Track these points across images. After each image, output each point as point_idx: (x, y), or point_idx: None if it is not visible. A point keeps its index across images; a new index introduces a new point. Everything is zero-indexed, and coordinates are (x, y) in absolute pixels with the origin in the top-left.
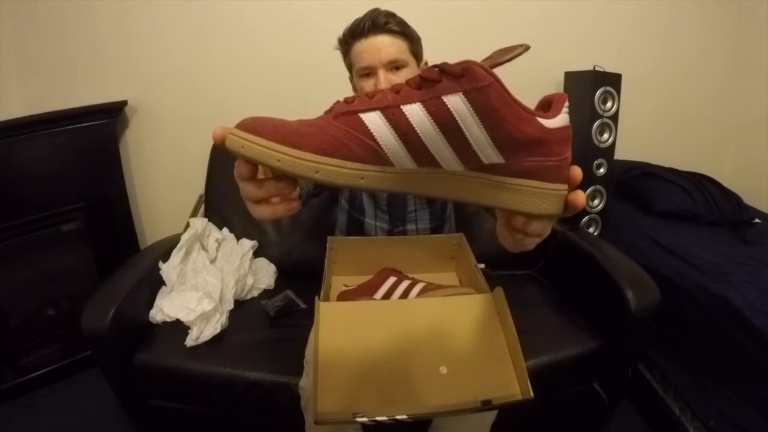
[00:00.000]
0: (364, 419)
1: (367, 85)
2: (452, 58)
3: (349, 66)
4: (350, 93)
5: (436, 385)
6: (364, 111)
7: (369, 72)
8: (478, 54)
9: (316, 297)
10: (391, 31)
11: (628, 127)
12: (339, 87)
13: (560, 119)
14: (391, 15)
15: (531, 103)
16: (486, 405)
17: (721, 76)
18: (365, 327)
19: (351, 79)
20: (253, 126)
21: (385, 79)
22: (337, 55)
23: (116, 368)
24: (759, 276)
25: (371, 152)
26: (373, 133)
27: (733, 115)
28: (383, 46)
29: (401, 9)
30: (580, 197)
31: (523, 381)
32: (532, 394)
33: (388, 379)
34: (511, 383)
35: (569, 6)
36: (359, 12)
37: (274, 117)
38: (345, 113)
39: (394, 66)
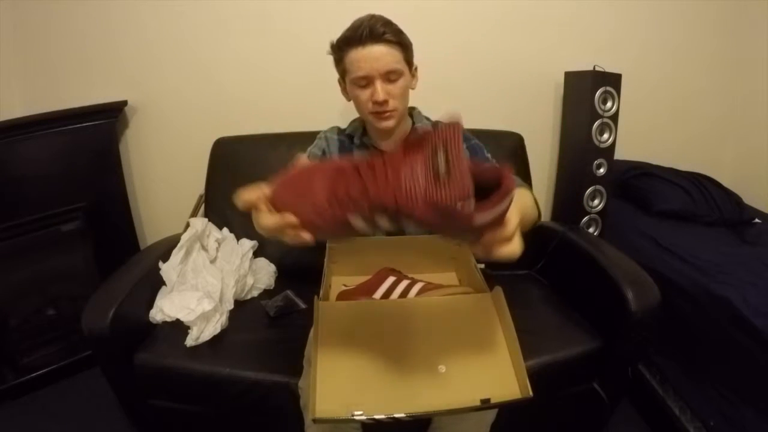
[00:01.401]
0: (363, 417)
1: (363, 93)
2: (450, 59)
3: (343, 72)
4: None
5: (435, 384)
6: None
7: (366, 82)
8: (475, 54)
9: (316, 296)
10: (387, 41)
11: (628, 127)
12: (337, 86)
13: (492, 213)
14: (387, 24)
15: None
16: (485, 404)
17: (721, 75)
18: (364, 326)
19: (340, 82)
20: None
21: (382, 90)
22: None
23: (116, 368)
24: (759, 276)
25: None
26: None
27: (734, 115)
28: (381, 56)
29: (400, 8)
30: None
31: (522, 380)
32: (531, 393)
33: (387, 378)
34: (510, 382)
35: (569, 6)
36: (358, 14)
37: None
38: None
39: (390, 76)
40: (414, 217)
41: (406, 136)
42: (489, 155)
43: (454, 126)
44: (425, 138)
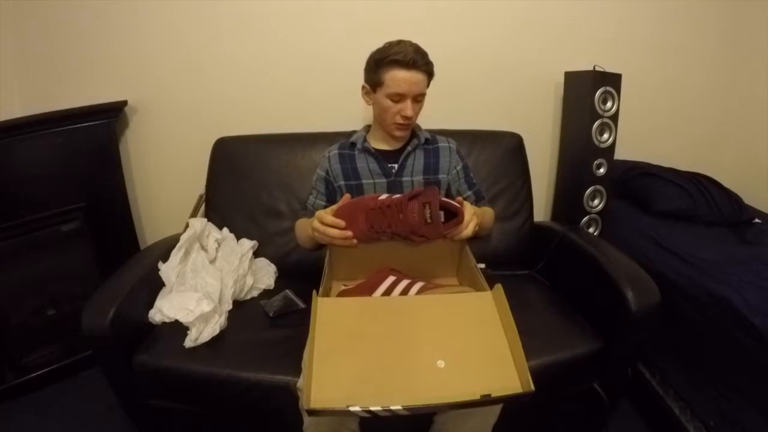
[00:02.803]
0: (358, 409)
1: (394, 107)
2: (450, 59)
3: (375, 83)
4: (348, 93)
5: (433, 379)
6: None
7: (399, 99)
8: (475, 54)
9: (314, 291)
10: (424, 71)
11: (628, 127)
12: (337, 87)
13: (452, 229)
14: (425, 55)
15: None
16: (485, 398)
17: (720, 76)
18: (362, 322)
19: (365, 88)
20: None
21: (412, 107)
22: (336, 57)
23: (116, 368)
24: (759, 276)
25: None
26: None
27: (733, 115)
28: (418, 81)
29: (401, 9)
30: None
31: (523, 375)
32: (533, 387)
33: (385, 372)
34: (511, 377)
35: (569, 6)
36: (357, 16)
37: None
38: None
39: (417, 98)
40: (412, 239)
41: (411, 192)
42: (472, 174)
43: (434, 192)
44: (419, 193)
